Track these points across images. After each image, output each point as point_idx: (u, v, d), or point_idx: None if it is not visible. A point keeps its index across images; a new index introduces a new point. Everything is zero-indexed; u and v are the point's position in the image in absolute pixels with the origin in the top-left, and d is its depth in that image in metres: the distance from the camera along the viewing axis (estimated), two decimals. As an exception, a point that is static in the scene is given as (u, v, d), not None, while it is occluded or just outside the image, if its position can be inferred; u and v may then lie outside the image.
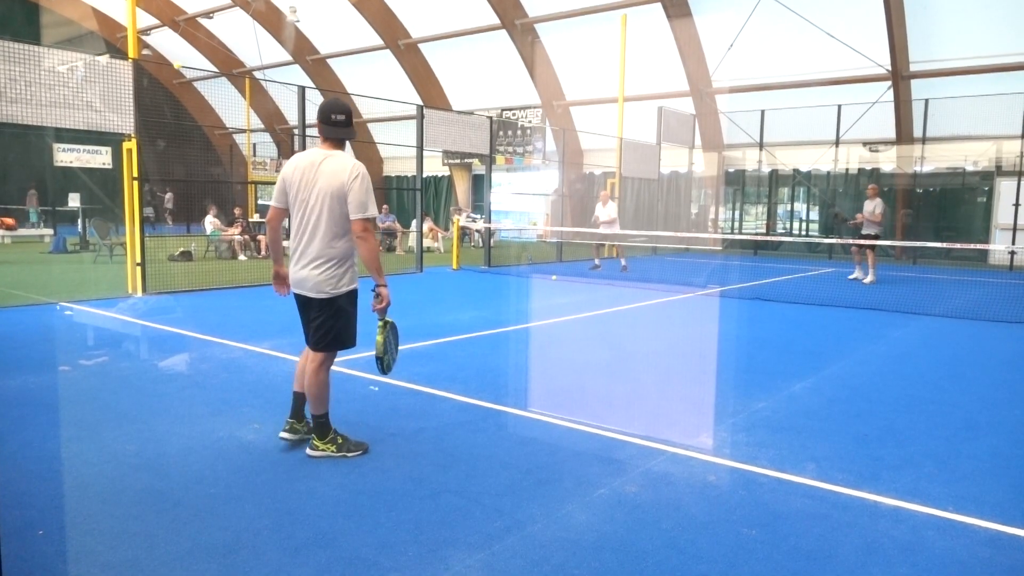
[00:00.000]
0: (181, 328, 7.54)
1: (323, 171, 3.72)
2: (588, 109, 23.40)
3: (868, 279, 12.91)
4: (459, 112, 15.89)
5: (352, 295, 3.96)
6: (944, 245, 12.25)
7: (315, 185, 3.73)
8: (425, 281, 12.81)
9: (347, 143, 3.99)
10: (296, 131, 12.60)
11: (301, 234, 3.85)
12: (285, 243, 4.24)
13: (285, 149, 28.74)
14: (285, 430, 4.08)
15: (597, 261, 15.49)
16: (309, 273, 3.86)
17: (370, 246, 3.76)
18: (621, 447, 4.15)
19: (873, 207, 12.71)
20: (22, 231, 20.17)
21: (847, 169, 19.72)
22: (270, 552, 2.87)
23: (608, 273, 14.43)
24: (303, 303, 4.03)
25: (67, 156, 19.25)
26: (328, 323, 3.91)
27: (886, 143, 18.77)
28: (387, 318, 3.97)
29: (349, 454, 3.91)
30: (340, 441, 3.94)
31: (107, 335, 7.30)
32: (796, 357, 6.80)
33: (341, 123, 3.76)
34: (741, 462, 3.96)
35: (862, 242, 12.53)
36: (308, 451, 3.92)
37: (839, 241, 15.40)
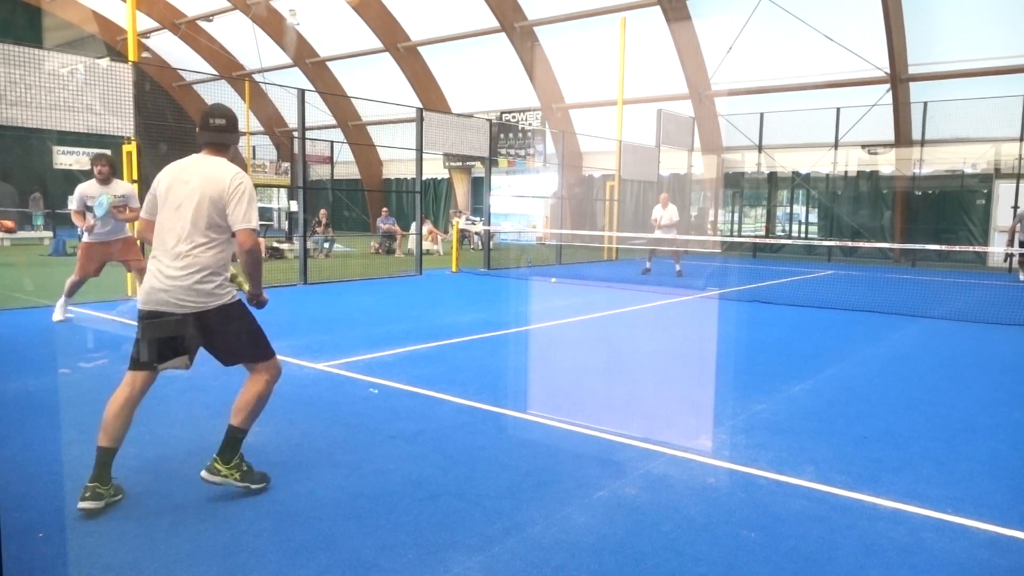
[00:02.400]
0: (181, 331, 7.53)
1: (198, 174, 3.36)
2: (587, 112, 23.44)
3: None
4: (458, 115, 15.91)
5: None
6: (943, 247, 12.28)
7: (188, 188, 3.33)
8: (424, 284, 12.82)
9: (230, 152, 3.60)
10: (296, 134, 12.62)
11: (169, 240, 3.37)
12: None
13: (285, 152, 28.78)
14: (87, 497, 3.16)
15: (648, 264, 15.07)
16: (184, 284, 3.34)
17: (255, 258, 3.50)
18: (621, 449, 4.16)
19: None
20: (21, 233, 20.17)
21: (846, 172, 19.74)
22: (270, 554, 2.87)
23: (617, 275, 14.43)
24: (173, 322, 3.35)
25: (67, 159, 19.30)
26: (249, 327, 3.49)
27: (885, 146, 18.80)
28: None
29: (253, 486, 3.40)
30: (245, 469, 3.40)
31: (107, 338, 7.31)
32: (795, 359, 6.81)
33: (220, 127, 3.45)
34: (740, 464, 3.97)
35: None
36: (204, 474, 3.34)
37: (837, 243, 15.43)
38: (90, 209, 7.37)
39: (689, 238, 17.54)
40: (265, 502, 3.35)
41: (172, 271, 3.33)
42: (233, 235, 3.42)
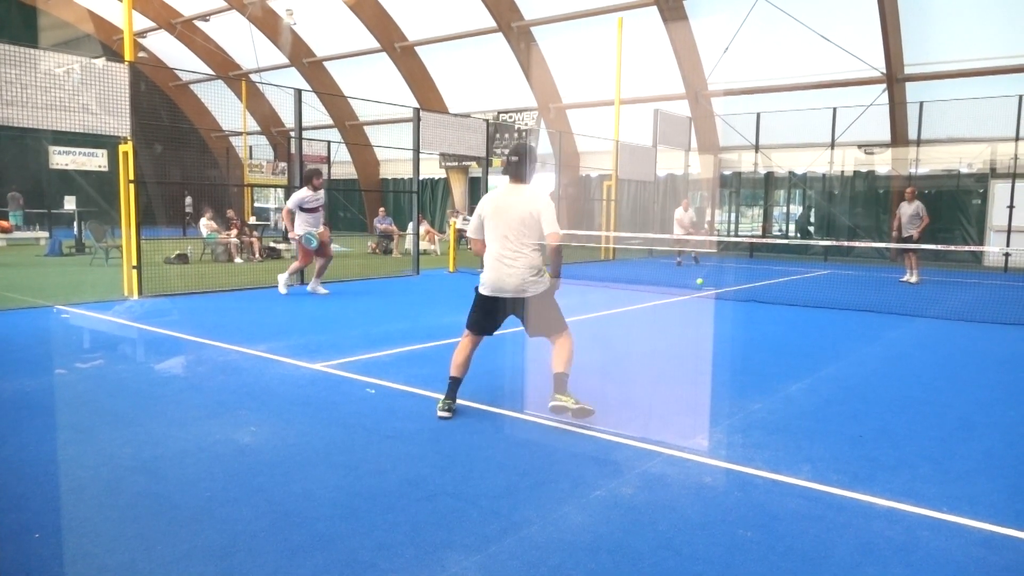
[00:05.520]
0: (177, 331, 7.54)
1: (514, 200, 4.62)
2: (584, 112, 23.45)
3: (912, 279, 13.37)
4: (455, 115, 15.91)
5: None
6: (939, 247, 12.31)
7: (511, 211, 4.60)
8: (422, 284, 12.81)
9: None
10: (292, 133, 12.60)
11: (505, 248, 4.66)
12: None
13: (281, 152, 28.74)
14: (443, 408, 4.66)
15: (679, 259, 17.44)
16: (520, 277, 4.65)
17: (559, 251, 4.73)
18: (617, 449, 4.17)
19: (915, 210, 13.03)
20: (17, 234, 20.13)
21: (842, 171, 19.78)
22: (267, 554, 2.87)
23: (614, 275, 14.44)
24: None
25: (63, 159, 19.24)
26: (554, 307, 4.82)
27: (881, 145, 18.85)
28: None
29: (587, 407, 4.57)
30: (575, 399, 4.58)
31: (103, 338, 7.29)
32: (792, 359, 6.82)
33: (515, 163, 4.63)
34: (737, 463, 3.98)
35: (903, 245, 12.75)
36: (553, 405, 4.59)
37: (834, 243, 15.46)
38: (303, 210, 9.95)
39: (698, 238, 17.59)
40: (262, 502, 3.35)
41: (512, 270, 4.60)
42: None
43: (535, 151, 4.66)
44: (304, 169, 12.31)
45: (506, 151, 24.11)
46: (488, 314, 4.77)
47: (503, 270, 4.60)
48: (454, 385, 4.73)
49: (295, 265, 10.62)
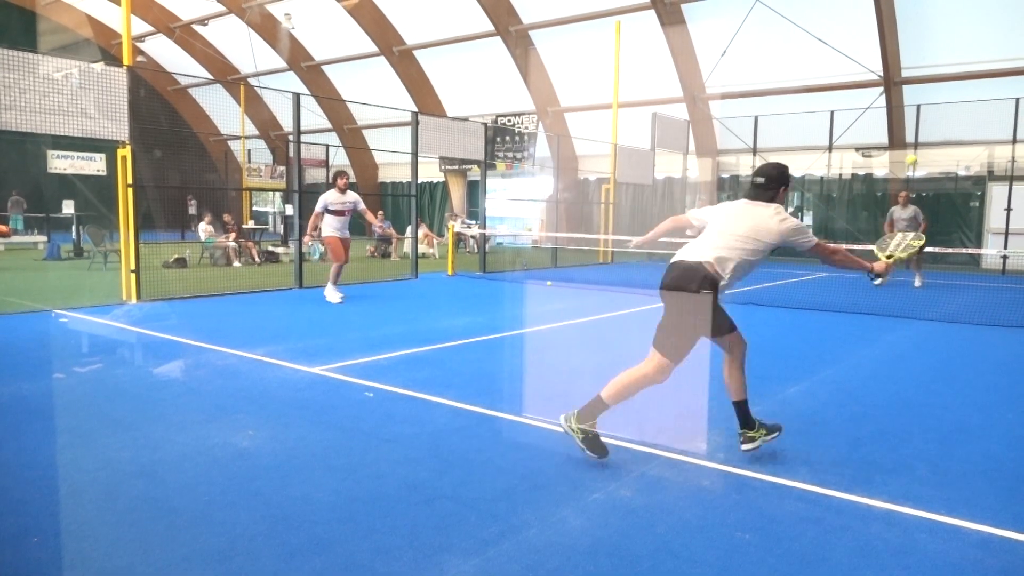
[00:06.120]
0: (176, 335, 7.54)
1: (750, 212, 4.17)
2: (582, 115, 23.48)
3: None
4: (454, 118, 15.92)
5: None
6: (937, 249, 12.31)
7: (741, 219, 4.14)
8: (420, 287, 12.82)
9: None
10: (291, 137, 12.61)
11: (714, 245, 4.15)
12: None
13: (280, 155, 28.76)
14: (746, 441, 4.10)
15: None
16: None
17: (840, 259, 4.26)
18: (615, 452, 4.17)
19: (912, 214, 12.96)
20: (16, 238, 20.12)
21: (840, 174, 19.81)
22: (265, 558, 2.87)
23: (612, 279, 14.45)
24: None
25: (61, 163, 19.26)
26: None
27: (879, 148, 18.87)
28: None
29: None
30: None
31: (102, 342, 7.29)
32: (790, 361, 6.83)
33: (759, 184, 4.26)
34: (735, 466, 3.98)
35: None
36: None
37: (832, 246, 15.45)
38: (331, 212, 9.79)
39: (683, 241, 17.58)
40: (260, 506, 3.35)
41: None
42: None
43: (785, 174, 4.35)
44: (302, 173, 12.35)
45: (506, 154, 24.22)
46: None
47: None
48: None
49: (333, 269, 10.24)
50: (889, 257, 4.40)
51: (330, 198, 9.87)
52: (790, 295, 11.94)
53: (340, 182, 9.96)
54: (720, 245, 4.05)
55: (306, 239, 10.22)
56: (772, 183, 4.25)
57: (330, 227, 9.93)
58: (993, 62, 16.46)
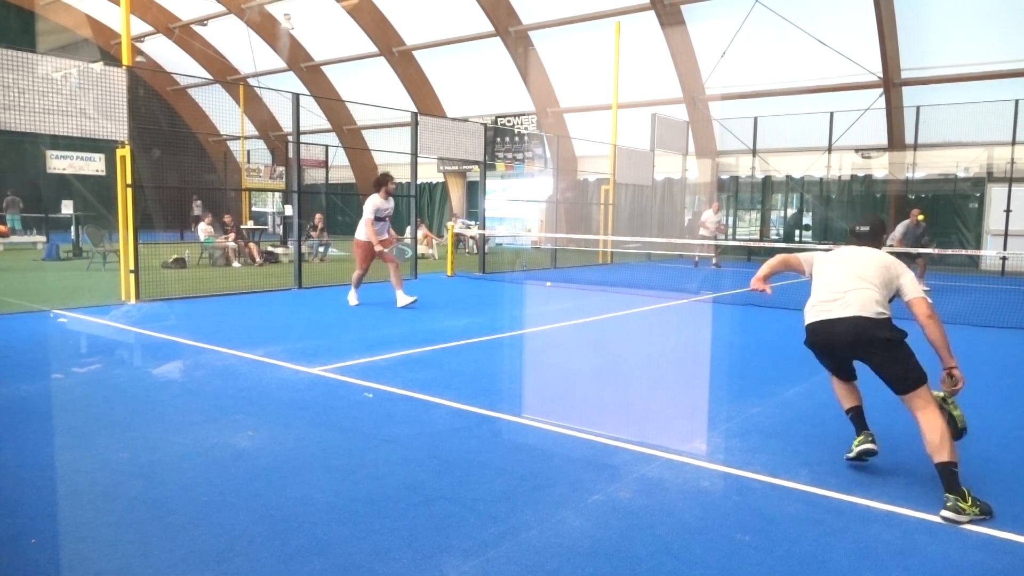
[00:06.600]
0: (175, 335, 7.53)
1: (866, 255, 4.15)
2: (582, 116, 23.49)
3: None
4: (453, 119, 15.92)
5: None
6: (936, 251, 12.29)
7: (860, 262, 4.12)
8: (420, 288, 12.80)
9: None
10: (290, 138, 12.61)
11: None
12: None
13: (279, 156, 28.75)
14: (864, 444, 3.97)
15: (697, 260, 18.01)
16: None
17: (935, 324, 4.02)
18: (615, 453, 4.16)
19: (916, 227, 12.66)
20: (14, 238, 20.10)
21: (840, 176, 19.82)
22: (264, 559, 2.86)
23: (611, 279, 14.45)
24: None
25: (60, 163, 19.24)
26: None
27: (878, 149, 18.88)
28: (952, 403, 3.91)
29: (980, 514, 3.37)
30: (979, 503, 3.40)
31: (100, 342, 7.28)
32: (789, 362, 6.82)
33: (862, 234, 4.32)
34: (735, 467, 3.98)
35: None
36: (945, 514, 3.36)
37: (831, 246, 15.45)
38: (379, 220, 9.54)
39: (682, 242, 17.59)
40: (259, 507, 3.34)
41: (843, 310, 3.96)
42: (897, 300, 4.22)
43: (884, 225, 4.46)
44: (301, 173, 12.15)
45: (505, 155, 24.22)
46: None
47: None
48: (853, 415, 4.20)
49: (357, 274, 9.97)
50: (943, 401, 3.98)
51: (379, 203, 9.51)
52: (790, 297, 11.92)
53: (391, 186, 9.69)
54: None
55: (380, 248, 9.54)
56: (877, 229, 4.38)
57: (367, 232, 9.50)
58: (992, 63, 16.47)
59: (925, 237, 12.89)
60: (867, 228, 4.36)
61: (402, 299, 9.76)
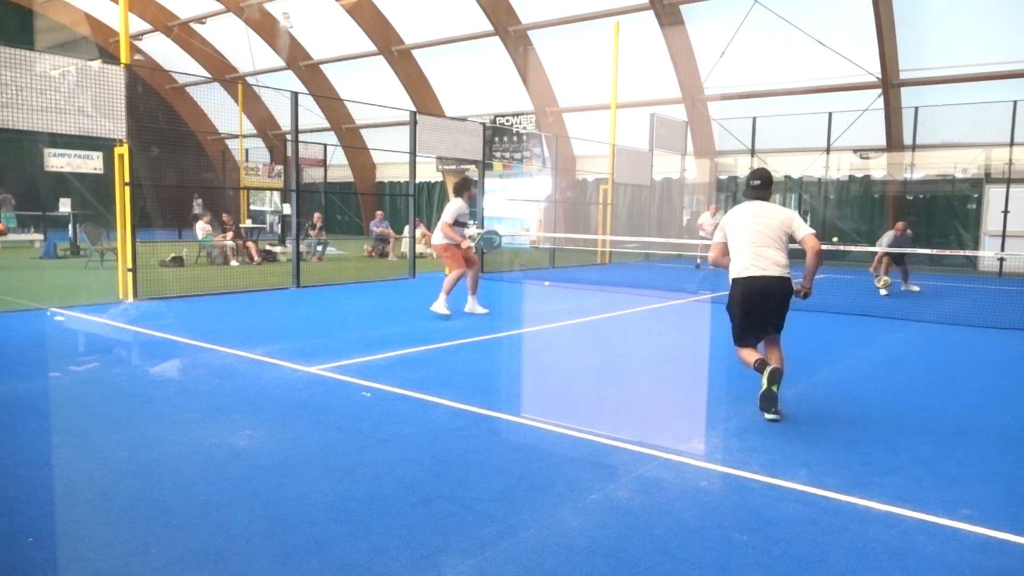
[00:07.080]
0: (172, 334, 7.52)
1: (767, 211, 5.10)
2: (581, 115, 23.49)
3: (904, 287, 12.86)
4: (452, 118, 15.90)
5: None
6: (934, 252, 12.30)
7: (764, 219, 5.06)
8: (418, 287, 12.80)
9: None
10: (289, 137, 12.60)
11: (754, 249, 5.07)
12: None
13: (278, 155, 28.71)
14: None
15: (699, 261, 17.90)
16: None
17: (818, 257, 5.08)
18: (613, 453, 4.16)
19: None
20: (12, 236, 20.05)
21: (838, 176, 19.84)
22: (262, 559, 2.86)
23: (610, 279, 14.45)
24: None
25: (58, 161, 19.19)
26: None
27: (876, 150, 18.90)
28: None
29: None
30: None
31: (98, 341, 7.27)
32: (787, 363, 6.81)
33: (756, 186, 5.19)
34: (733, 467, 3.98)
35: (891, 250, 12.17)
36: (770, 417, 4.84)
37: (831, 247, 15.48)
38: (461, 224, 9.29)
39: (681, 242, 17.61)
40: (257, 506, 3.34)
41: (765, 266, 4.99)
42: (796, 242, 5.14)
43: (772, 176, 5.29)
44: (300, 172, 12.01)
45: (504, 155, 24.22)
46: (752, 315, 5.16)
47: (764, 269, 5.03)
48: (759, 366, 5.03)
49: (455, 275, 9.29)
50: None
51: (463, 208, 9.27)
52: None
53: (473, 190, 9.69)
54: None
55: (465, 244, 9.16)
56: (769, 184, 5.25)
57: (447, 237, 9.13)
58: (991, 64, 16.49)
59: (909, 244, 12.65)
60: (759, 181, 5.17)
61: (473, 306, 9.44)
